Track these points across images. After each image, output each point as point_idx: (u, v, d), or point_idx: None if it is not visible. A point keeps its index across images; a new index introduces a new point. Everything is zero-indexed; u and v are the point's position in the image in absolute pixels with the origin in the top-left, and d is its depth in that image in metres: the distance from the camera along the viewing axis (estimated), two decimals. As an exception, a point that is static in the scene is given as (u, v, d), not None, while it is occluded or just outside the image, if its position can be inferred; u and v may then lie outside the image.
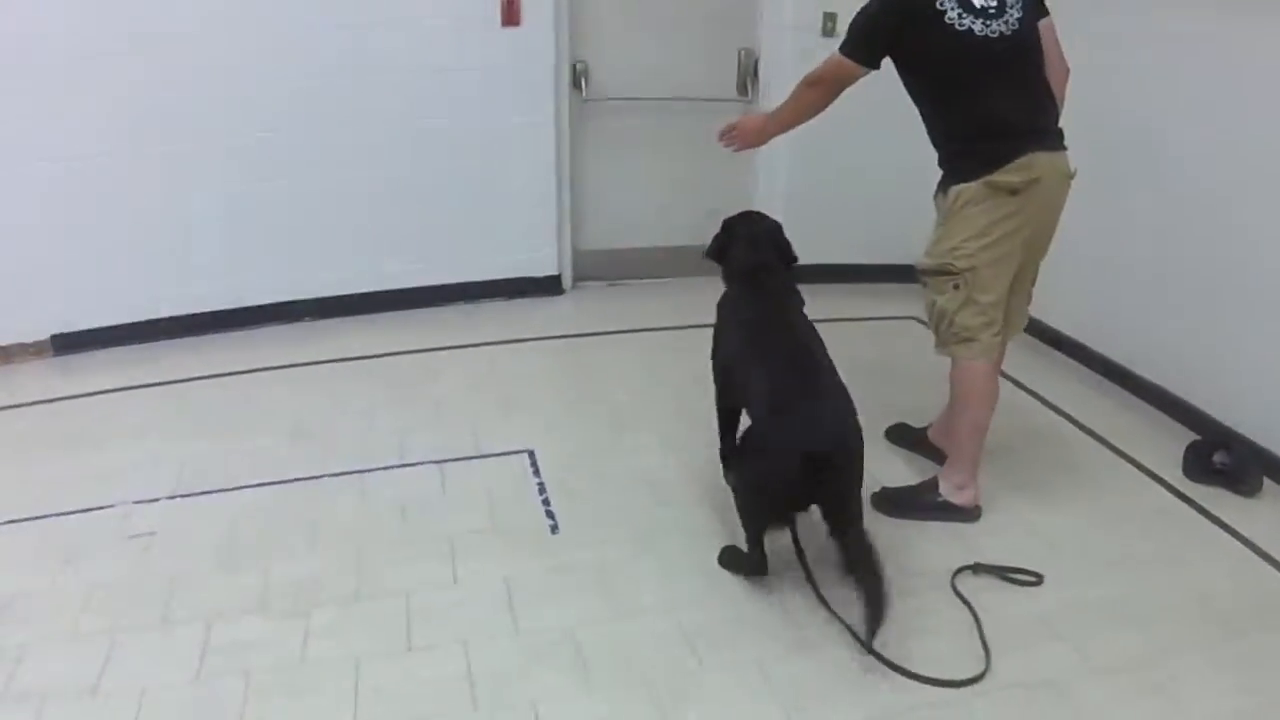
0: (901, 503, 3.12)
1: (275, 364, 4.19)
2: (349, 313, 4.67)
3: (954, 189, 2.90)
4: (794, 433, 2.53)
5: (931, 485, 3.13)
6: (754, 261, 3.01)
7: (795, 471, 2.47)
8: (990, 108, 2.82)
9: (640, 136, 5.02)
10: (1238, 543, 3.05)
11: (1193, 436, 3.58)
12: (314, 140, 4.42)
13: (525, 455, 3.46)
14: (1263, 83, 3.36)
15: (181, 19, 4.07)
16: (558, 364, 4.33)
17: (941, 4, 2.77)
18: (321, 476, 3.31)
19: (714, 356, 3.10)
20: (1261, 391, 3.45)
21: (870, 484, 2.98)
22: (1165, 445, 3.58)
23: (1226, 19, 3.45)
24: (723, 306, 3.10)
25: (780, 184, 5.07)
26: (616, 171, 5.05)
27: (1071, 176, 2.93)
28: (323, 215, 4.54)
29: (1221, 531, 3.11)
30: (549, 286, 5.01)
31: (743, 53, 5.00)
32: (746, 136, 3.34)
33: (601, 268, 5.19)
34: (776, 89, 4.89)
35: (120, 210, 4.22)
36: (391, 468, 3.38)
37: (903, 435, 3.57)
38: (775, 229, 3.15)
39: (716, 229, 3.23)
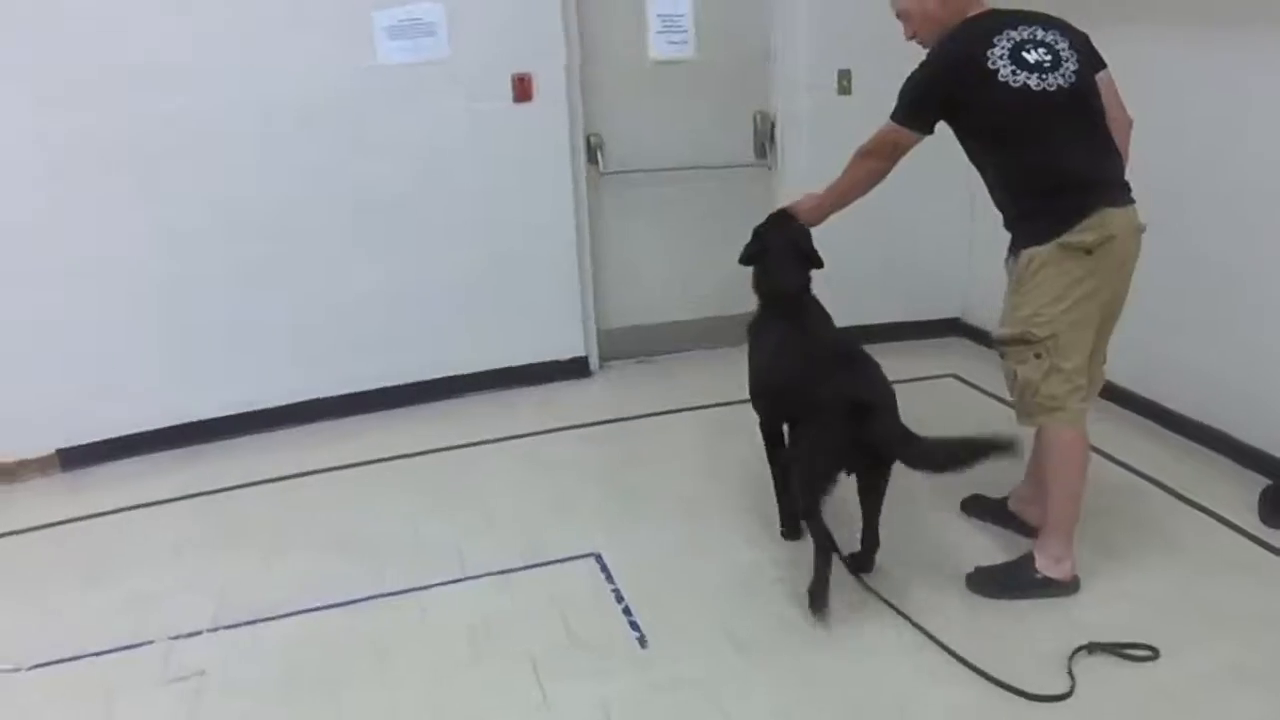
0: (1000, 581, 2.96)
1: (302, 469, 3.94)
2: (369, 410, 4.43)
3: (1025, 253, 2.79)
4: (838, 388, 2.72)
5: (1029, 561, 2.96)
6: (778, 286, 3.19)
7: (844, 422, 2.65)
8: (1057, 163, 2.72)
9: (659, 207, 4.89)
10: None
11: (1262, 481, 3.46)
12: (322, 234, 4.23)
13: (592, 559, 3.23)
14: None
15: (183, 126, 3.91)
16: (603, 454, 4.10)
17: (994, 64, 2.69)
18: (376, 596, 3.06)
19: (750, 377, 3.20)
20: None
21: (959, 563, 3.05)
22: (1235, 492, 3.44)
23: None
24: (751, 328, 3.27)
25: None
26: (636, 245, 4.90)
27: (1142, 231, 2.82)
28: (337, 311, 4.32)
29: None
30: (576, 369, 4.81)
31: (758, 116, 4.89)
32: (805, 218, 3.27)
33: (627, 345, 5.01)
34: (794, 150, 4.83)
35: (124, 316, 4.01)
36: (451, 582, 3.13)
37: (981, 507, 3.41)
38: (802, 236, 3.21)
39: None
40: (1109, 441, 3.84)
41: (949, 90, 2.77)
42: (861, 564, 3.01)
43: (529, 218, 4.52)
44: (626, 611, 2.94)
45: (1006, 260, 2.94)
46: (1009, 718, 2.46)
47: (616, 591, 3.04)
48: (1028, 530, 3.19)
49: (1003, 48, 2.70)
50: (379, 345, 4.42)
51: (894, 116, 2.85)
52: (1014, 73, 2.68)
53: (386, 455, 4.03)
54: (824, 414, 2.72)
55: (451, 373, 4.58)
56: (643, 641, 2.80)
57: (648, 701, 2.56)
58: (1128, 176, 2.83)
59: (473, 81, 4.28)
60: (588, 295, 4.76)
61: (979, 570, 3.01)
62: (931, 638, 2.72)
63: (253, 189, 4.07)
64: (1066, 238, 2.70)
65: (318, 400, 4.36)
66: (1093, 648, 2.65)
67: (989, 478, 3.46)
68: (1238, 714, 2.44)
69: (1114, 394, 4.19)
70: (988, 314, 5.04)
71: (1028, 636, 2.74)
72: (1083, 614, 2.83)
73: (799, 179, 4.82)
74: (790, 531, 3.24)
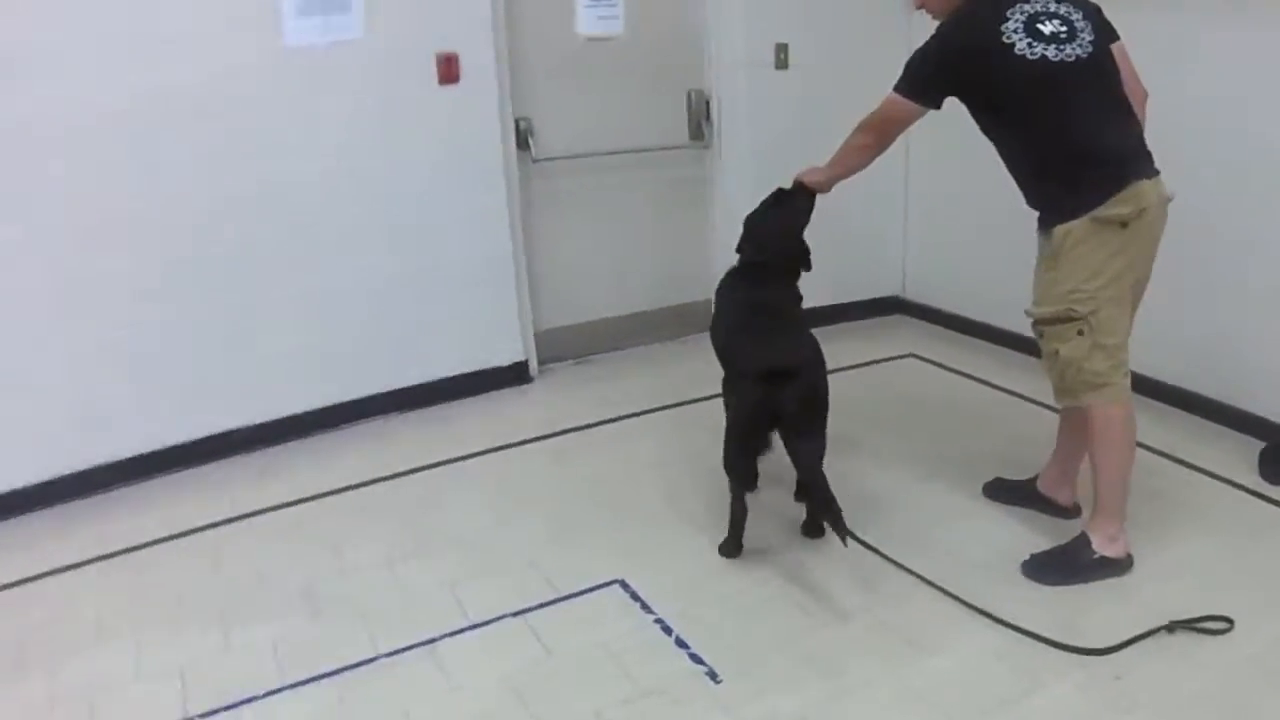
0: (1058, 567, 2.81)
1: (230, 515, 3.37)
2: (288, 438, 3.88)
3: (1059, 229, 2.65)
4: (758, 355, 2.81)
5: (1084, 542, 2.80)
6: (750, 253, 3.16)
7: (761, 388, 2.71)
8: (1085, 135, 2.60)
9: (593, 195, 4.53)
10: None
11: (1255, 443, 3.47)
12: (223, 242, 3.63)
13: (617, 586, 2.85)
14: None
15: (51, 116, 3.25)
16: (574, 468, 3.66)
17: (1009, 37, 2.56)
18: (376, 658, 2.58)
19: (713, 338, 3.16)
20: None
21: (1008, 551, 2.90)
22: (1234, 457, 3.44)
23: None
24: (719, 290, 3.22)
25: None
26: (571, 237, 4.52)
27: (1169, 201, 2.70)
28: (244, 329, 3.74)
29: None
30: (516, 375, 4.39)
31: (693, 94, 4.59)
32: (813, 188, 3.09)
33: (564, 346, 4.62)
34: (732, 129, 4.57)
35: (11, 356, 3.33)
36: (460, 632, 2.68)
37: (1006, 490, 3.24)
38: (785, 231, 3.10)
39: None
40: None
41: (962, 65, 2.63)
42: (809, 530, 3.05)
43: (458, 212, 4.06)
44: (681, 644, 2.58)
45: (1039, 236, 2.79)
46: (1120, 705, 2.29)
47: (661, 622, 2.67)
48: (1061, 511, 3.09)
49: (1017, 20, 2.57)
50: (296, 364, 3.86)
51: (898, 88, 2.72)
52: (1030, 45, 2.55)
53: (327, 489, 3.51)
54: (741, 382, 2.83)
55: (380, 389, 4.07)
56: (714, 676, 2.45)
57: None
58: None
59: (392, 63, 3.79)
60: (524, 293, 4.34)
61: (1034, 557, 2.85)
62: (1025, 632, 2.54)
63: (138, 190, 3.43)
64: (1101, 211, 2.58)
65: (231, 433, 3.77)
66: (1173, 626, 2.53)
67: (977, 452, 3.52)
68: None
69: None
70: (927, 289, 4.98)
71: (1106, 620, 2.58)
72: (1146, 593, 2.71)
73: (738, 159, 4.59)
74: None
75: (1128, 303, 2.73)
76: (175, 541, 3.23)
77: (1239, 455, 3.44)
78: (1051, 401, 2.96)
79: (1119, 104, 2.67)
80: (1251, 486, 3.26)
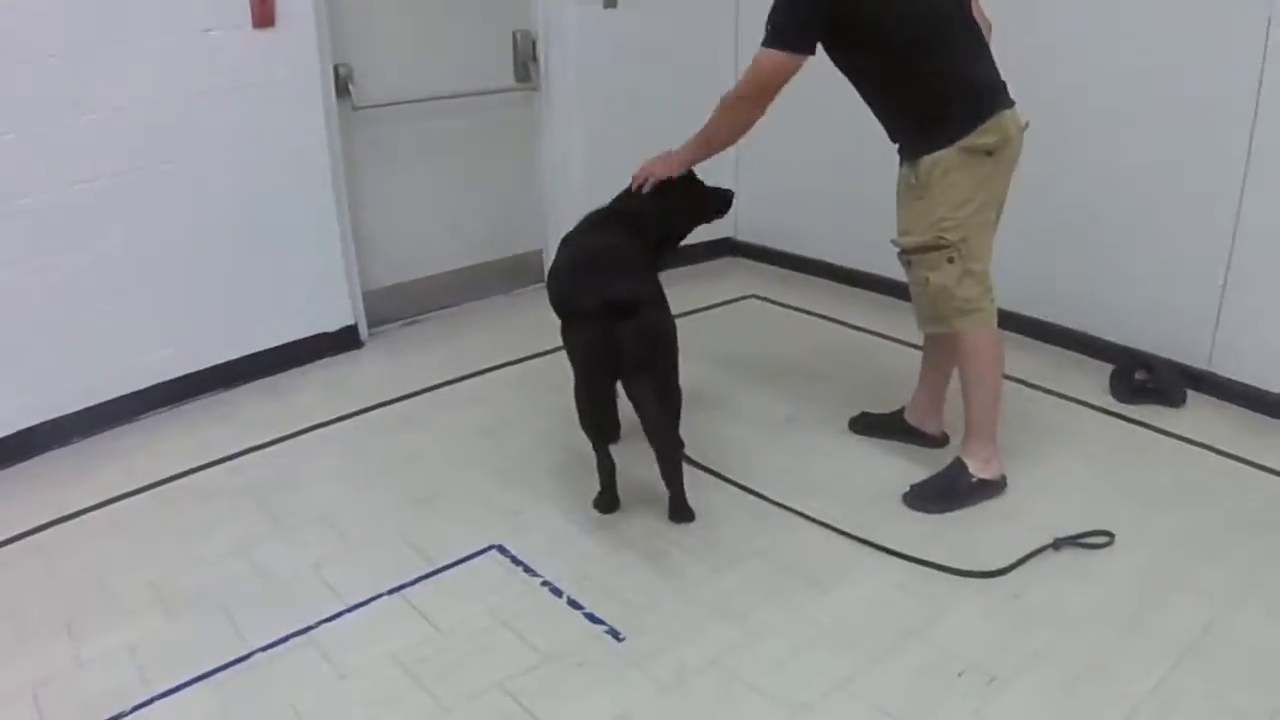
0: (938, 494, 2.93)
1: (71, 509, 3.05)
2: (104, 426, 3.53)
3: (926, 160, 2.73)
4: (594, 290, 2.65)
5: (960, 467, 2.94)
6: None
7: (598, 327, 2.59)
8: (953, 69, 2.71)
9: (418, 144, 4.31)
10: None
11: (1104, 366, 3.71)
12: (12, 214, 3.21)
13: (494, 552, 2.79)
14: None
15: None
16: (424, 433, 3.49)
17: None
18: (252, 654, 2.41)
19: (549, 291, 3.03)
20: (1163, 311, 3.62)
21: (886, 484, 3.00)
22: (1086, 379, 3.67)
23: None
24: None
25: (577, 172, 4.59)
26: (395, 189, 4.30)
27: (1025, 129, 2.82)
28: (44, 306, 3.35)
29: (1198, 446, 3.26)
30: (345, 340, 4.17)
31: (518, 35, 4.43)
32: (660, 176, 3.02)
33: (392, 306, 4.42)
34: (560, 71, 4.48)
35: None
36: (339, 615, 2.54)
37: (874, 425, 3.34)
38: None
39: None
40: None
41: (832, 5, 2.62)
42: (675, 513, 2.85)
43: (276, 167, 3.77)
44: (574, 604, 2.55)
45: (901, 169, 2.85)
46: (1023, 624, 2.41)
47: (549, 584, 2.64)
48: (929, 441, 3.20)
49: None
50: (107, 341, 3.51)
51: (771, 43, 2.65)
52: None
53: (162, 477, 3.23)
54: (582, 317, 2.70)
55: (202, 365, 3.78)
56: (615, 635, 2.44)
57: (668, 696, 2.23)
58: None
59: (202, 4, 3.45)
60: (350, 252, 4.11)
61: (914, 488, 2.96)
62: (920, 561, 2.65)
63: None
64: (968, 141, 2.67)
65: (45, 424, 3.40)
66: (1059, 544, 2.69)
67: (844, 391, 3.59)
68: (1207, 581, 2.57)
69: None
70: (761, 231, 5.05)
71: (995, 543, 2.72)
72: (1028, 513, 2.87)
73: (566, 102, 4.51)
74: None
75: (993, 229, 2.84)
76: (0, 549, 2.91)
77: (1094, 380, 3.66)
78: (898, 334, 3.05)
79: (978, 38, 2.75)
80: (1108, 407, 3.50)
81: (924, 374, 3.17)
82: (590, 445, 2.86)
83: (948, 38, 2.68)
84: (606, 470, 2.89)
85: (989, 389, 2.88)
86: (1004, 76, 2.78)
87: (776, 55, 2.64)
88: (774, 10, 2.66)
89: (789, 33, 2.63)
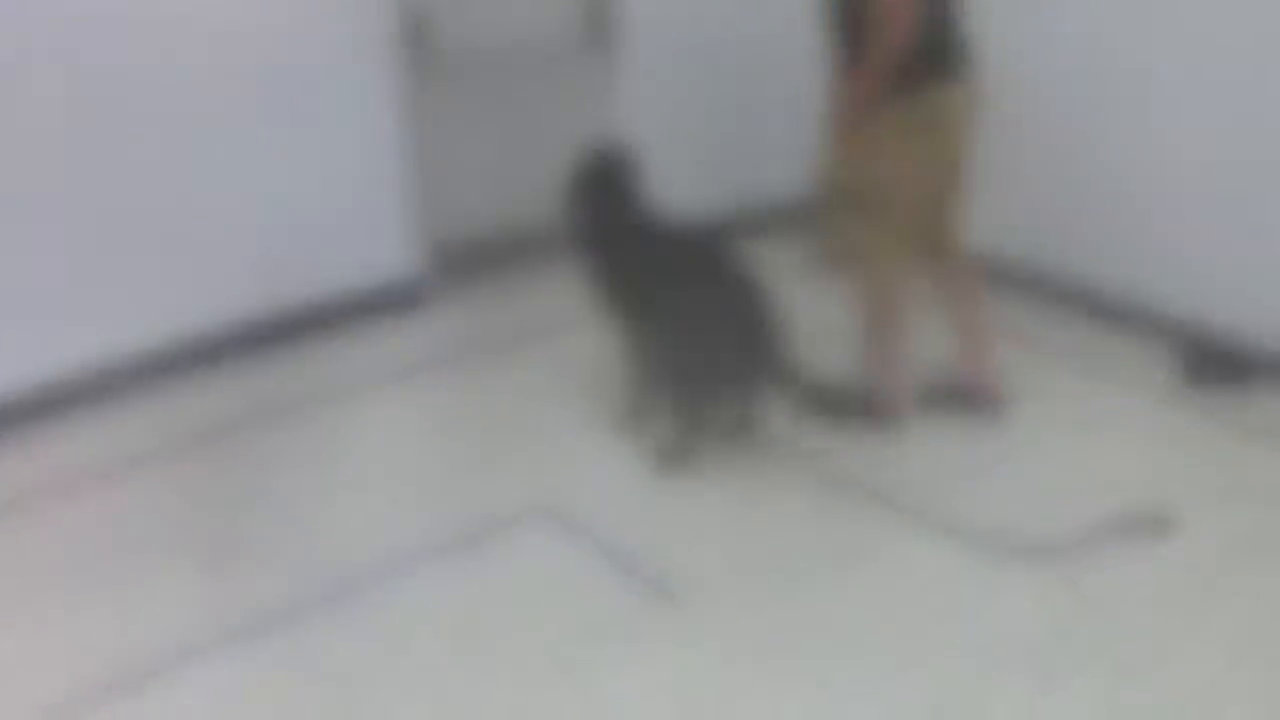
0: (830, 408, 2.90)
1: (132, 453, 3.02)
2: (126, 386, 3.37)
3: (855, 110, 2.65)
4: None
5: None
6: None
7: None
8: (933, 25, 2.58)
9: (491, 97, 4.13)
10: None
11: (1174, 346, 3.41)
12: (31, 148, 3.11)
13: (548, 514, 2.68)
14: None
15: None
16: (485, 395, 3.38)
17: None
18: (301, 614, 2.35)
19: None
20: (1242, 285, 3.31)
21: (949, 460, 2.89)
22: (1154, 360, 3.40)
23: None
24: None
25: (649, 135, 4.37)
26: (467, 141, 4.15)
27: (979, 96, 2.73)
28: (71, 252, 3.26)
29: None
30: (407, 294, 4.06)
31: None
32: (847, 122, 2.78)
33: (460, 261, 4.29)
34: (634, 27, 4.23)
35: None
36: (388, 576, 2.48)
37: (938, 394, 3.13)
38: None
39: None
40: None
41: None
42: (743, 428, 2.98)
43: (332, 109, 3.69)
44: (628, 569, 2.46)
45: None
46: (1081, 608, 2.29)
47: (604, 546, 2.54)
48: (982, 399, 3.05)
49: None
50: (137, 292, 3.40)
51: None
52: None
53: (209, 429, 3.16)
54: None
55: (256, 315, 3.68)
56: (670, 599, 2.35)
57: (726, 667, 2.13)
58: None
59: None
60: (412, 203, 4.01)
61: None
62: (976, 538, 2.54)
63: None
64: (918, 98, 2.62)
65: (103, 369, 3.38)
66: (1117, 527, 2.55)
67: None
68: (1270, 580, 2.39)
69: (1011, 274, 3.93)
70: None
71: (1053, 527, 2.59)
72: (1079, 493, 2.73)
73: (640, 60, 4.27)
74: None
75: (920, 184, 2.74)
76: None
77: (1163, 360, 3.37)
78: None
79: None
80: (1177, 391, 3.22)
81: (952, 324, 3.07)
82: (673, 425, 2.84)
83: None
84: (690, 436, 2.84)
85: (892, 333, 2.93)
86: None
87: None
88: None
89: None
